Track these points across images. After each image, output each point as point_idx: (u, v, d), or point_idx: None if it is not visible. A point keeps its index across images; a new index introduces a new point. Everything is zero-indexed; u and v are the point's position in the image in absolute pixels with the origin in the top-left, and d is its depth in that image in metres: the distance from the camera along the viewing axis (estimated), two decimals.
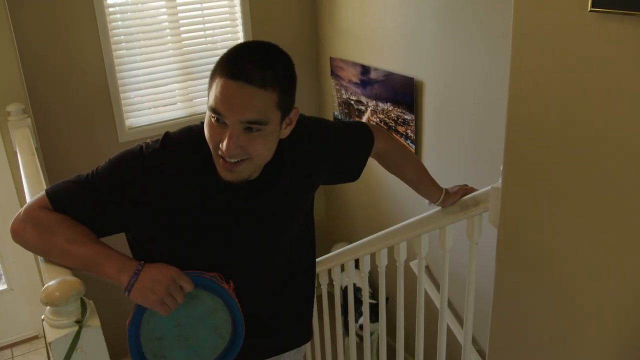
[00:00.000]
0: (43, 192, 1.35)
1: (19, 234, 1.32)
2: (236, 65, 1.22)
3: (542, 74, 1.11)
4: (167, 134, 1.39)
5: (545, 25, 1.08)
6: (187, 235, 1.41)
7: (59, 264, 1.27)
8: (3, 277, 3.29)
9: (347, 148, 1.67)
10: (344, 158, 1.67)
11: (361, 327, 3.39)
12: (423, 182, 1.91)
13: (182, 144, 1.37)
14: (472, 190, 1.89)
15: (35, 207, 1.32)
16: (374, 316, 3.48)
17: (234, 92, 1.21)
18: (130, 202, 1.33)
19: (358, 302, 3.63)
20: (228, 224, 1.43)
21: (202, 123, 1.36)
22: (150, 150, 1.35)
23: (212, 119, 1.25)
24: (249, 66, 1.21)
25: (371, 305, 2.81)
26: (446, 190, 1.90)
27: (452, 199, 1.89)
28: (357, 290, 3.75)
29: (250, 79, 1.21)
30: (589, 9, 0.98)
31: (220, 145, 1.25)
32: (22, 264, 3.14)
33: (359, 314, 3.58)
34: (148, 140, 1.39)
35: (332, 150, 1.61)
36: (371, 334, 3.26)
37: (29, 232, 1.30)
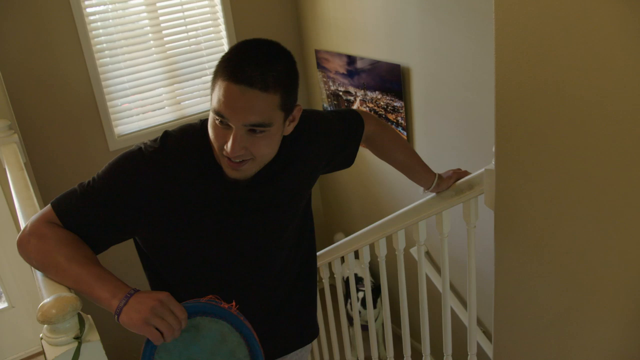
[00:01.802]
0: (49, 205, 1.33)
1: (22, 247, 1.30)
2: (237, 68, 1.20)
3: (527, 50, 1.09)
4: (166, 133, 1.38)
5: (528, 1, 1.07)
6: (192, 233, 1.40)
7: (56, 281, 1.24)
8: (3, 295, 3.27)
9: (343, 138, 1.68)
10: (340, 148, 1.68)
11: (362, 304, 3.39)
12: (414, 167, 1.89)
13: (182, 141, 1.37)
14: (466, 173, 1.88)
15: (40, 221, 1.30)
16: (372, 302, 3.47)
17: (237, 96, 1.20)
18: (134, 203, 1.32)
19: (359, 291, 3.63)
20: (232, 219, 1.43)
21: (201, 121, 1.38)
22: (150, 150, 1.34)
23: (216, 121, 1.25)
24: (250, 68, 1.20)
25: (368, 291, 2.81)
26: (439, 175, 1.89)
27: (446, 183, 1.87)
28: (359, 280, 3.75)
29: (252, 83, 1.20)
30: None
31: (225, 146, 1.26)
32: (21, 281, 3.12)
33: (358, 301, 3.58)
34: (147, 141, 1.38)
35: (329, 142, 1.62)
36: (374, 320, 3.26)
37: (32, 245, 1.28)
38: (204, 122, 1.38)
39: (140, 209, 1.32)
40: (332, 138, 1.62)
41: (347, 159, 1.76)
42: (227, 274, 1.53)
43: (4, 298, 3.26)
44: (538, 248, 1.24)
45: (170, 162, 1.33)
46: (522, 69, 1.12)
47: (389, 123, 3.49)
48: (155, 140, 1.36)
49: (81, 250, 1.27)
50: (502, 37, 1.14)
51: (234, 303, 1.28)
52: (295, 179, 1.51)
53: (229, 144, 1.24)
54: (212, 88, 1.26)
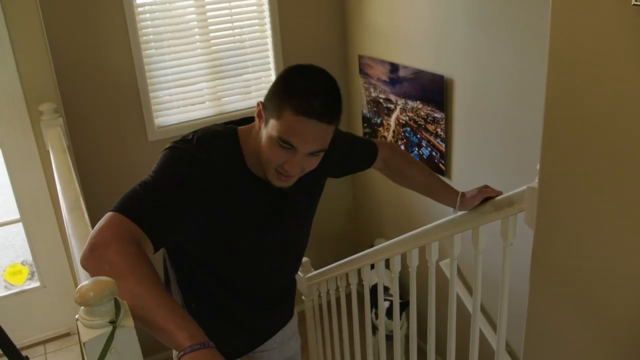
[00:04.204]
0: (111, 213, 1.27)
1: (96, 260, 1.20)
2: (307, 104, 1.35)
3: (581, 70, 1.08)
4: (196, 137, 1.47)
5: (585, 20, 1.05)
6: (227, 235, 1.54)
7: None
8: (36, 274, 3.33)
9: (352, 153, 1.89)
10: (349, 161, 1.89)
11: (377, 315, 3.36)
12: (435, 187, 2.01)
13: (214, 146, 1.48)
14: (493, 192, 1.85)
15: (111, 230, 1.23)
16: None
17: (307, 129, 1.37)
18: (191, 197, 1.39)
19: (385, 300, 3.61)
20: (263, 222, 1.61)
21: (226, 127, 1.55)
22: (193, 149, 1.43)
23: (278, 145, 1.39)
24: (318, 104, 1.36)
25: (392, 302, 2.78)
26: (462, 193, 1.90)
27: (471, 202, 1.87)
28: (385, 289, 3.72)
29: (321, 117, 1.37)
30: (632, 3, 0.95)
31: (284, 166, 1.42)
32: (54, 262, 3.18)
33: (375, 309, 3.56)
34: (176, 142, 1.47)
35: (343, 156, 1.81)
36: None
37: (109, 258, 1.19)
38: (232, 130, 1.53)
39: (195, 201, 1.40)
40: (344, 153, 1.82)
41: (360, 163, 1.95)
42: (250, 268, 1.71)
43: (36, 277, 3.33)
44: (575, 275, 1.22)
45: (214, 169, 1.45)
46: (575, 92, 1.10)
47: (428, 134, 3.47)
48: (187, 142, 1.46)
49: (155, 274, 1.20)
50: (557, 58, 1.12)
51: None
52: (312, 186, 1.71)
53: (292, 165, 1.42)
54: (275, 115, 1.38)
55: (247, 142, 1.52)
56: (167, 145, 1.47)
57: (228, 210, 1.50)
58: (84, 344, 1.05)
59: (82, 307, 1.08)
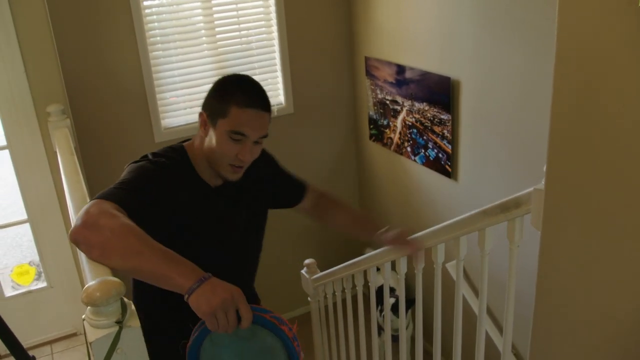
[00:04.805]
0: (96, 199, 1.44)
1: (88, 229, 1.32)
2: (248, 97, 1.65)
3: (589, 71, 1.07)
4: (151, 153, 1.72)
5: (592, 20, 1.04)
6: (185, 235, 1.66)
7: (118, 263, 1.27)
8: (43, 275, 3.34)
9: (284, 177, 2.10)
10: (279, 185, 2.08)
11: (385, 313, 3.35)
12: (362, 223, 2.27)
13: (167, 158, 1.70)
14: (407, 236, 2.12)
15: (100, 205, 1.39)
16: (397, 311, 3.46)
17: (252, 117, 1.65)
18: (160, 198, 1.57)
19: (391, 297, 3.59)
20: (214, 223, 1.78)
21: (180, 143, 1.79)
22: (151, 160, 1.66)
23: (231, 138, 1.64)
24: (256, 96, 1.67)
25: (397, 298, 2.78)
26: (386, 229, 2.12)
27: (384, 241, 2.14)
28: (392, 290, 3.72)
29: (261, 106, 1.67)
30: None
31: (238, 156, 1.66)
32: (61, 263, 3.19)
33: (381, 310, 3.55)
34: (135, 160, 1.69)
35: (274, 176, 2.04)
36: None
37: (101, 226, 1.31)
38: (179, 145, 1.78)
39: (161, 202, 1.57)
40: (276, 175, 2.06)
41: (290, 191, 2.14)
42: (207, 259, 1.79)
43: (43, 278, 3.34)
44: (583, 275, 1.21)
45: (175, 171, 1.67)
46: (582, 94, 1.09)
47: (434, 135, 3.47)
48: (152, 158, 1.68)
49: (143, 231, 1.34)
50: (563, 59, 1.12)
51: (295, 327, 1.36)
52: (252, 198, 1.92)
53: (244, 153, 1.67)
54: (222, 114, 1.64)
55: (194, 153, 1.75)
56: (128, 163, 1.68)
57: (182, 214, 1.65)
58: (90, 343, 1.05)
59: (88, 307, 1.08)
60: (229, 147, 1.65)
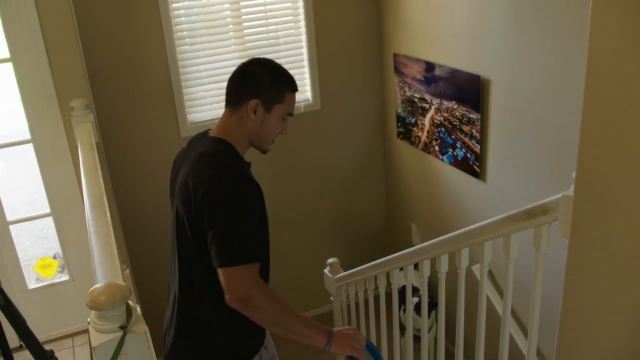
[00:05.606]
0: (242, 265, 1.65)
1: (260, 303, 1.65)
2: (294, 83, 1.92)
3: (622, 72, 1.01)
4: (219, 163, 1.81)
5: (626, 18, 0.98)
6: (265, 221, 1.89)
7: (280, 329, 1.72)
8: (65, 268, 3.36)
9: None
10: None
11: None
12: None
13: (231, 158, 1.86)
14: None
15: (256, 284, 1.66)
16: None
17: (295, 99, 1.96)
18: (261, 206, 1.83)
19: (413, 296, 3.54)
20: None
21: (212, 137, 1.96)
22: (230, 171, 1.77)
23: (283, 119, 1.91)
24: (295, 80, 1.93)
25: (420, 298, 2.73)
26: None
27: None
28: (415, 290, 3.67)
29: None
30: None
31: (281, 131, 1.93)
32: (82, 257, 3.19)
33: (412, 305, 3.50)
34: (216, 171, 1.76)
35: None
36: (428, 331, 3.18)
37: (269, 307, 1.67)
38: (223, 140, 1.90)
39: (260, 203, 1.82)
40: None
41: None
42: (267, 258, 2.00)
43: (65, 271, 3.36)
44: (611, 288, 1.15)
45: (246, 176, 1.82)
46: (615, 96, 1.03)
47: (463, 135, 3.39)
48: (231, 170, 1.78)
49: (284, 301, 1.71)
50: (596, 59, 1.05)
51: None
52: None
53: (286, 127, 1.95)
54: (278, 100, 1.86)
55: (235, 140, 1.89)
56: (212, 179, 1.71)
57: (262, 204, 1.85)
58: (93, 348, 1.02)
59: (93, 311, 1.06)
60: (280, 125, 1.92)
